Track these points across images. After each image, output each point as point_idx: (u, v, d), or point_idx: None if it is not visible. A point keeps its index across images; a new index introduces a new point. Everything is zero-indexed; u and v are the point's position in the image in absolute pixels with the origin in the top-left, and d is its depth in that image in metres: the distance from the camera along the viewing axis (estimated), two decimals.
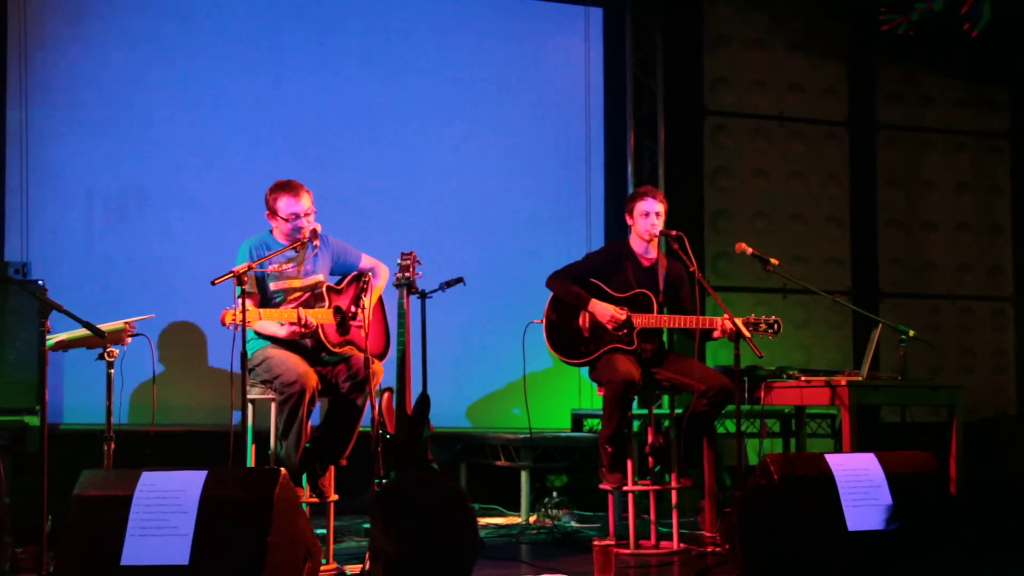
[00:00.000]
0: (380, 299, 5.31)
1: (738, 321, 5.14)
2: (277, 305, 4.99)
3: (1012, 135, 8.91)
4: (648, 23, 8.01)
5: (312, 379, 4.79)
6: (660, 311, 5.45)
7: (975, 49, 8.04)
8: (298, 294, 5.02)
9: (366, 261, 5.29)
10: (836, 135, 8.51)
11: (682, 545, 5.41)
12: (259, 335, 4.96)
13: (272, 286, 5.01)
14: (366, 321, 4.87)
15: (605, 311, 5.36)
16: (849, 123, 8.53)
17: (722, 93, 8.27)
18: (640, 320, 5.36)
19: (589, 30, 7.92)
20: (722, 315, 5.23)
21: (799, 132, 8.41)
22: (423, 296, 5.55)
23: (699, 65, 8.22)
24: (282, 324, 4.87)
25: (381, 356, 5.22)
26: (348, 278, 5.20)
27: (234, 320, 4.52)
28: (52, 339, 4.65)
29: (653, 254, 5.58)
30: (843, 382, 5.52)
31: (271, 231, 5.10)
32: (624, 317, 5.33)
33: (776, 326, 5.32)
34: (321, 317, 4.89)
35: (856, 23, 8.44)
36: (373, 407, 4.85)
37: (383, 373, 5.10)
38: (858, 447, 5.33)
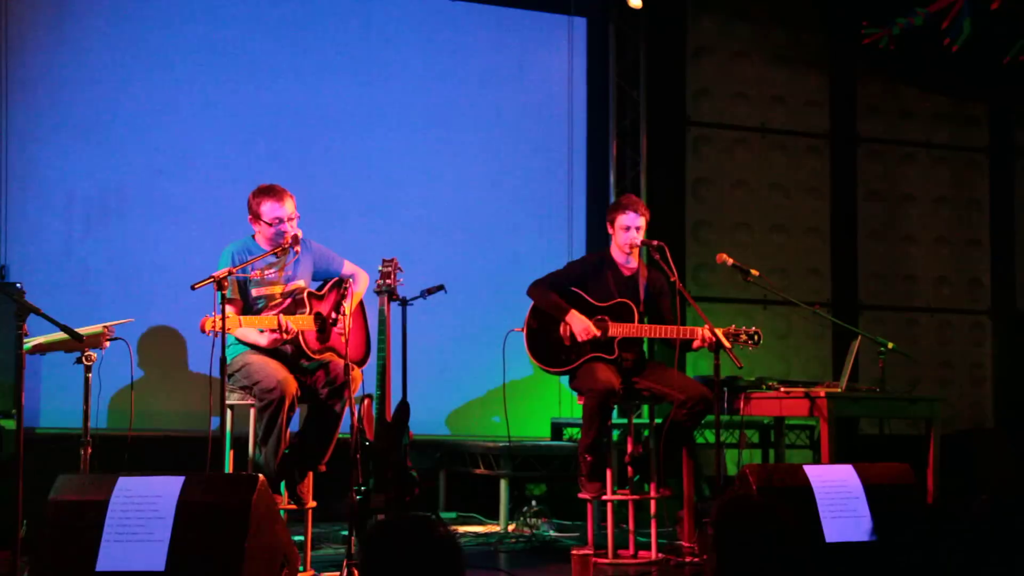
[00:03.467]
0: (362, 306, 5.30)
1: (718, 332, 5.15)
2: (259, 311, 4.97)
3: (991, 150, 8.98)
4: (631, 34, 8.04)
5: (292, 386, 4.77)
6: (640, 321, 5.45)
7: (955, 64, 8.10)
8: (279, 300, 5.01)
9: (348, 267, 5.29)
10: (817, 147, 8.55)
11: (660, 555, 5.41)
12: (239, 340, 4.94)
13: (254, 292, 5.00)
14: (346, 328, 4.86)
15: (580, 324, 5.35)
16: (830, 135, 8.58)
17: (704, 104, 8.30)
18: (619, 329, 5.37)
19: (572, 40, 7.94)
20: (702, 325, 5.24)
21: (780, 144, 8.45)
22: (404, 303, 5.54)
23: (682, 76, 8.25)
24: (262, 331, 4.86)
25: (361, 362, 5.20)
26: (329, 284, 5.20)
27: (214, 327, 4.50)
28: (29, 342, 4.62)
29: (634, 264, 5.58)
30: (822, 393, 5.53)
31: (253, 236, 5.09)
32: (598, 334, 5.33)
33: (756, 337, 5.33)
34: (302, 324, 4.88)
35: (837, 36, 8.49)
36: (352, 414, 4.84)
37: (362, 379, 5.09)
38: (836, 458, 5.35)
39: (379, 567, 2.31)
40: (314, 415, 5.03)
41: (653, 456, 5.41)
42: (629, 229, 5.48)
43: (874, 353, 6.03)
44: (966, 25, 7.47)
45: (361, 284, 5.27)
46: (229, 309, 4.59)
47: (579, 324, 5.35)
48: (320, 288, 5.18)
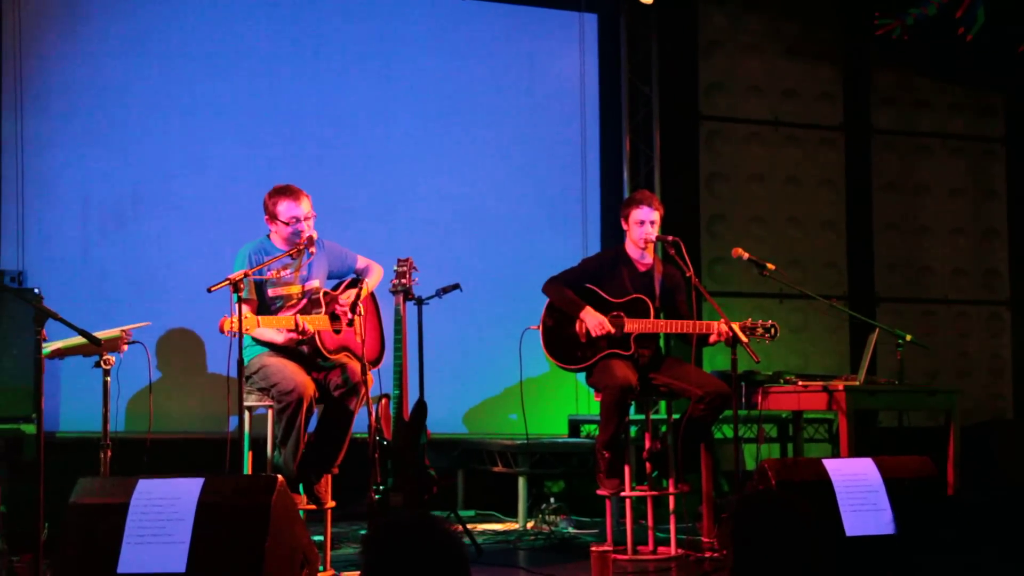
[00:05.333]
0: (376, 306, 5.29)
1: (735, 326, 5.13)
2: (276, 311, 4.98)
3: (1007, 139, 8.92)
4: (643, 29, 8.02)
5: (310, 388, 4.78)
6: (656, 316, 5.44)
7: (970, 53, 8.06)
8: (296, 300, 5.02)
9: (361, 261, 5.30)
10: (831, 140, 8.52)
11: (680, 551, 5.40)
12: (256, 341, 4.95)
13: (270, 292, 5.01)
14: (361, 328, 4.86)
15: (594, 320, 5.35)
16: (844, 128, 8.55)
17: (717, 98, 8.28)
18: (635, 325, 5.35)
19: (584, 36, 7.93)
20: (719, 320, 5.22)
21: (794, 137, 8.42)
22: (419, 302, 5.54)
23: (694, 71, 8.23)
24: (279, 330, 4.87)
25: (375, 363, 5.20)
26: (344, 284, 5.20)
27: (232, 327, 4.51)
28: (48, 347, 4.64)
29: (649, 259, 5.57)
30: (840, 387, 5.52)
31: (269, 236, 5.10)
32: (612, 331, 5.32)
33: (773, 330, 5.30)
34: (318, 323, 4.88)
35: (850, 28, 8.45)
36: (370, 414, 4.84)
37: (373, 383, 5.08)
38: (855, 452, 5.33)
39: (380, 567, 2.31)
40: (327, 418, 5.03)
41: (671, 452, 5.40)
42: (643, 223, 5.47)
43: (892, 345, 6.01)
44: (980, 14, 7.43)
45: (374, 277, 5.27)
46: (246, 308, 4.60)
47: (593, 320, 5.35)
48: (336, 288, 5.18)
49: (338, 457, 4.98)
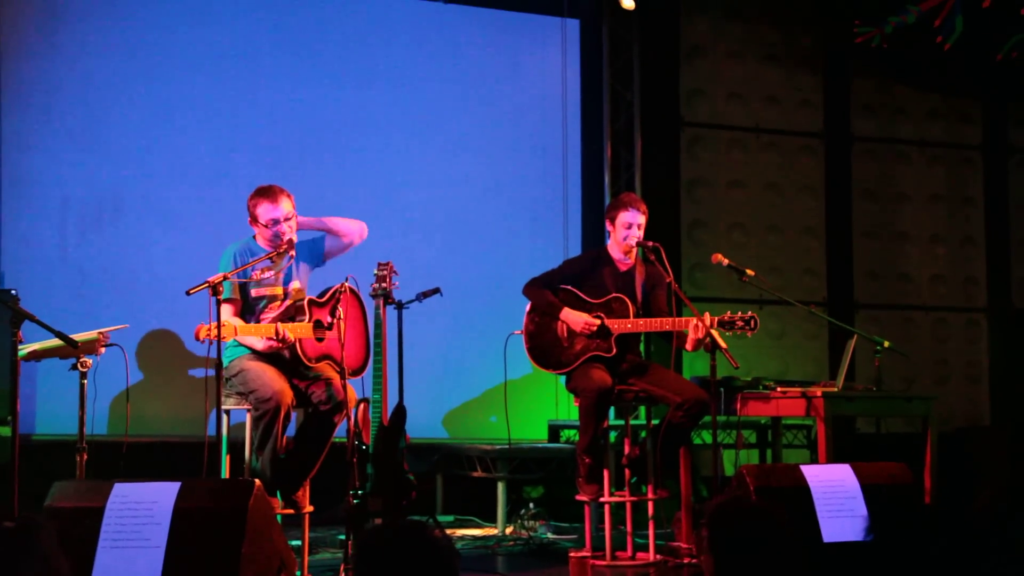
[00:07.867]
0: (364, 314, 5.20)
1: (714, 332, 5.13)
2: (261, 310, 4.96)
3: (984, 147, 8.98)
4: (625, 35, 8.04)
5: (288, 396, 4.74)
6: (637, 316, 5.42)
7: (948, 62, 8.11)
8: (279, 303, 4.99)
9: (327, 223, 5.24)
10: (811, 147, 8.55)
11: (658, 556, 5.40)
12: (238, 342, 4.91)
13: (253, 292, 4.98)
14: (342, 334, 4.82)
15: (578, 319, 5.34)
16: (824, 135, 8.59)
17: (698, 105, 8.30)
18: (615, 325, 5.33)
19: (566, 42, 7.94)
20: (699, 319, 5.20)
21: (775, 144, 8.45)
22: (400, 306, 5.53)
23: (675, 77, 8.25)
24: (260, 337, 4.83)
25: (360, 370, 5.16)
26: (330, 292, 5.13)
27: (208, 336, 4.49)
28: (24, 349, 4.61)
29: (631, 261, 5.57)
30: (818, 393, 5.53)
31: (255, 236, 5.07)
32: (597, 325, 5.31)
33: (752, 322, 5.25)
34: (300, 332, 4.84)
35: (831, 36, 8.49)
36: (349, 418, 4.82)
37: (356, 400, 5.03)
38: (833, 458, 5.35)
39: (374, 573, 2.30)
40: (307, 429, 4.98)
41: (650, 458, 5.40)
42: (631, 227, 5.46)
43: (870, 352, 6.03)
44: (958, 23, 7.49)
45: (341, 224, 5.22)
46: (225, 316, 4.58)
47: (577, 320, 5.34)
48: (322, 295, 5.13)
49: (314, 468, 4.94)
